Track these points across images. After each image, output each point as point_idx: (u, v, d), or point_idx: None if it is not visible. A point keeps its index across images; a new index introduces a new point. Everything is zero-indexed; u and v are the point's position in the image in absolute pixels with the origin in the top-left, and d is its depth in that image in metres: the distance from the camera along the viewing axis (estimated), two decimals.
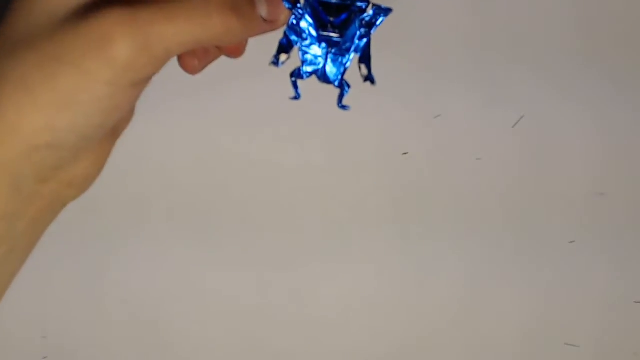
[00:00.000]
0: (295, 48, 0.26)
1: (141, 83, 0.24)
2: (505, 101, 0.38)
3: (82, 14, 0.24)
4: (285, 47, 0.26)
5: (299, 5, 0.25)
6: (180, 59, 0.26)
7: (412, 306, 0.38)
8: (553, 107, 0.38)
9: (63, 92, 0.24)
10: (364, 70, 0.27)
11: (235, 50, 0.28)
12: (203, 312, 0.39)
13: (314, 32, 0.26)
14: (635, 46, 0.39)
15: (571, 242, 0.38)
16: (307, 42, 0.26)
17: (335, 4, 0.26)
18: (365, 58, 0.27)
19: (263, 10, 0.25)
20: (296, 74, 0.26)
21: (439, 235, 0.38)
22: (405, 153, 0.38)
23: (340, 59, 0.27)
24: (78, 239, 0.39)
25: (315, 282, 0.38)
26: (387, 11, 0.26)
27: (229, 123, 0.37)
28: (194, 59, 0.26)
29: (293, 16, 0.25)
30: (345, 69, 0.27)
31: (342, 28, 0.26)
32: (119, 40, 0.23)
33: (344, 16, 0.26)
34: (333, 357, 0.38)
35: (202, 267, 0.37)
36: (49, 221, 0.27)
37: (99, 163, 0.27)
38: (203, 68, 0.26)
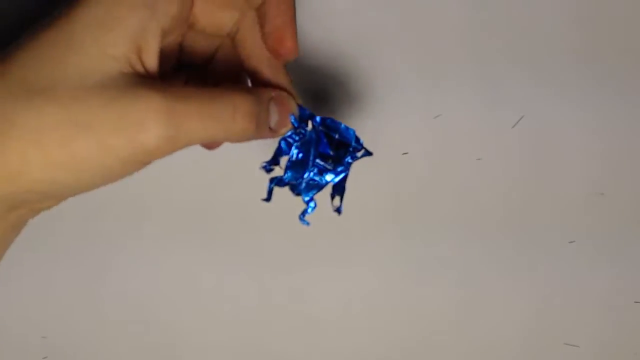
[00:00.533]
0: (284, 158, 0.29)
1: (150, 163, 0.25)
2: (505, 101, 0.38)
3: (122, 87, 0.24)
4: (279, 154, 0.29)
5: (304, 129, 0.28)
6: None
7: (412, 306, 0.38)
8: (553, 107, 0.38)
9: (77, 158, 0.24)
10: (337, 202, 0.29)
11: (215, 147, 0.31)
12: (203, 312, 0.38)
13: (303, 154, 0.29)
14: (636, 46, 0.39)
15: (571, 242, 0.38)
16: (293, 161, 0.29)
17: (338, 139, 0.29)
18: (340, 191, 0.29)
19: (273, 122, 0.28)
20: (276, 182, 0.29)
21: (439, 235, 0.38)
22: (406, 153, 0.38)
23: (317, 184, 0.29)
24: (78, 239, 0.39)
25: (316, 283, 0.38)
26: (369, 154, 0.29)
27: None
28: None
29: (293, 132, 0.28)
30: (317, 192, 0.29)
31: (335, 162, 0.29)
32: (153, 129, 0.24)
33: (341, 153, 0.29)
34: (333, 359, 0.38)
35: (202, 267, 0.37)
36: (11, 239, 0.28)
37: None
38: None
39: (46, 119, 0.23)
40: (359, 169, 0.38)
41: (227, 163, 0.37)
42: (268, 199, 0.29)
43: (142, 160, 0.24)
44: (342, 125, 0.29)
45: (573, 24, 0.38)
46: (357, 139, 0.29)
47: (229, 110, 0.25)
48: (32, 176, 0.24)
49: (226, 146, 0.38)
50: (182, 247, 0.37)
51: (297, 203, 0.38)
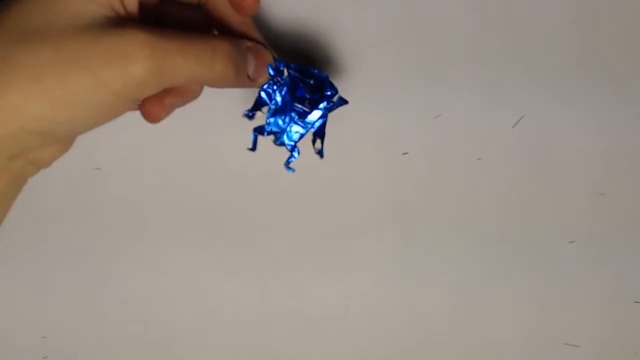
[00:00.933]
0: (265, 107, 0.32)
1: (139, 101, 0.27)
2: (505, 101, 0.38)
3: (107, 26, 0.26)
4: (260, 104, 0.31)
5: (281, 77, 0.31)
6: (145, 108, 0.29)
7: (412, 306, 0.38)
8: (553, 107, 0.38)
9: (72, 92, 0.25)
10: (318, 145, 0.31)
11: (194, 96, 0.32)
12: (203, 312, 0.38)
13: (282, 101, 0.31)
14: (636, 47, 0.38)
15: (571, 242, 0.38)
16: (273, 108, 0.31)
17: (313, 85, 0.31)
18: (321, 134, 0.32)
19: (250, 70, 0.30)
20: (258, 130, 0.31)
21: (439, 235, 0.38)
22: (406, 153, 0.38)
23: (298, 130, 0.31)
24: (78, 239, 0.39)
25: (316, 283, 0.38)
26: (345, 102, 0.32)
27: (230, 124, 0.37)
28: (161, 109, 0.29)
29: (271, 82, 0.30)
30: (299, 139, 0.32)
31: (312, 105, 0.31)
32: (140, 61, 0.25)
33: (317, 96, 0.31)
34: (333, 359, 0.38)
35: (202, 267, 0.37)
36: (14, 195, 0.29)
37: (65, 149, 0.29)
38: (164, 117, 0.29)
39: (41, 57, 0.25)
40: (359, 169, 0.38)
41: (227, 163, 0.37)
42: (253, 148, 0.31)
43: (132, 95, 0.26)
44: (316, 72, 0.31)
45: (573, 25, 0.38)
46: (331, 84, 0.31)
47: (209, 51, 0.27)
48: (30, 113, 0.25)
49: (226, 146, 0.38)
50: (182, 247, 0.37)
51: (297, 203, 0.37)
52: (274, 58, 0.32)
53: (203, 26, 0.31)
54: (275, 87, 0.31)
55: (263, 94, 0.31)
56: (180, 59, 0.27)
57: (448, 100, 0.38)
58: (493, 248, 0.38)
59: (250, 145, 0.31)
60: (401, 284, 0.38)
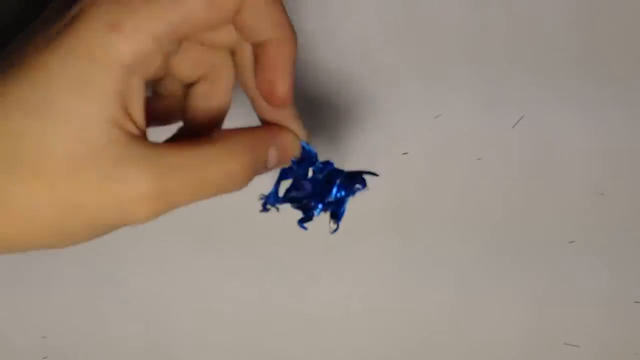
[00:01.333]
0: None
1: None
2: (505, 101, 0.38)
3: (109, 162, 0.23)
4: (280, 182, 0.28)
5: (305, 168, 0.28)
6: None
7: (412, 305, 0.38)
8: (553, 107, 0.38)
9: (65, 231, 0.24)
10: (333, 225, 0.29)
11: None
12: (203, 313, 0.38)
13: (302, 188, 0.29)
14: (635, 46, 0.39)
15: (571, 242, 0.38)
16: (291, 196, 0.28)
17: (339, 184, 0.28)
18: (339, 217, 0.29)
19: (270, 163, 0.26)
20: (272, 200, 0.28)
21: (439, 235, 0.38)
22: (406, 153, 0.38)
23: (318, 207, 0.29)
24: None
25: (316, 283, 0.38)
26: (365, 187, 0.29)
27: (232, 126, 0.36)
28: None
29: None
30: (318, 214, 0.29)
31: (336, 204, 0.29)
32: (144, 212, 0.23)
33: (343, 192, 0.28)
34: (334, 359, 0.38)
35: (202, 268, 0.37)
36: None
37: None
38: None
39: (37, 198, 0.23)
40: (359, 169, 0.38)
41: None
42: (264, 210, 0.29)
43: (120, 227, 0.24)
44: (345, 174, 0.28)
45: (573, 24, 0.38)
46: (363, 180, 0.29)
47: (222, 178, 0.25)
48: (19, 244, 0.24)
49: None
50: (182, 247, 0.37)
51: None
52: (302, 144, 0.28)
53: (205, 99, 0.28)
54: (296, 168, 0.28)
55: (283, 172, 0.28)
56: (189, 196, 0.24)
57: (448, 100, 0.38)
58: (493, 248, 0.38)
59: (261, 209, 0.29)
60: (401, 284, 0.38)
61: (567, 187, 0.38)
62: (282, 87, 0.26)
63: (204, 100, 0.27)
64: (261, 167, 0.26)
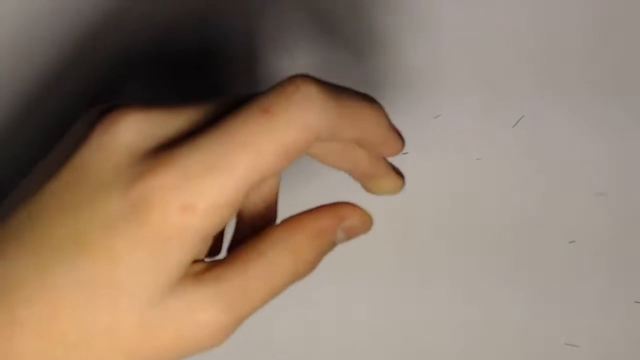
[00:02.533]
0: None
1: None
2: (505, 101, 0.38)
3: (175, 301, 0.22)
4: None
5: None
6: None
7: (410, 304, 0.38)
8: (553, 107, 0.38)
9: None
10: None
11: None
12: None
13: None
14: (637, 46, 0.39)
15: (571, 242, 0.38)
16: None
17: None
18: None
19: (339, 240, 0.26)
20: None
21: (438, 235, 0.38)
22: (406, 153, 0.37)
23: None
24: None
25: (315, 283, 0.37)
26: None
27: None
28: None
29: None
30: None
31: None
32: (210, 344, 0.23)
33: None
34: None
35: None
36: None
37: None
38: None
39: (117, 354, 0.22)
40: None
41: None
42: None
43: None
44: None
45: (575, 24, 0.38)
46: None
47: (290, 280, 0.24)
48: None
49: None
50: None
51: (296, 204, 0.37)
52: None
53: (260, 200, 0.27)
54: None
55: None
56: (257, 308, 0.24)
57: (448, 100, 0.38)
58: (492, 248, 0.38)
59: None
60: (401, 284, 0.38)
61: (567, 187, 0.38)
62: (397, 148, 0.27)
63: (254, 192, 0.26)
64: (329, 250, 0.25)
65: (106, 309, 0.21)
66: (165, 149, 0.21)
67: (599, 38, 0.38)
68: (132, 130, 0.22)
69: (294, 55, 0.38)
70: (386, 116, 0.25)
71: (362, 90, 0.37)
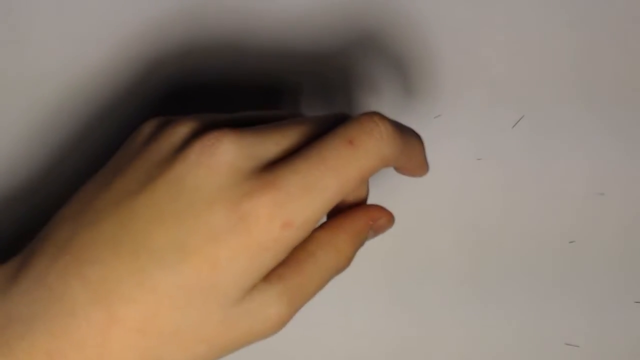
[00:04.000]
0: None
1: None
2: (505, 101, 0.38)
3: (250, 293, 0.25)
4: None
5: None
6: None
7: (407, 304, 0.38)
8: (553, 107, 0.38)
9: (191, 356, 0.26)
10: None
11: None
12: None
13: None
14: (636, 44, 0.39)
15: (571, 242, 0.38)
16: None
17: None
18: None
19: (370, 237, 0.30)
20: None
21: (437, 236, 0.38)
22: None
23: None
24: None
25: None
26: None
27: None
28: None
29: None
30: None
31: None
32: (272, 332, 0.26)
33: None
34: None
35: None
36: None
37: None
38: None
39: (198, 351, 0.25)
40: None
41: None
42: None
43: None
44: None
45: (575, 23, 0.39)
46: None
47: (335, 273, 0.28)
48: None
49: None
50: None
51: None
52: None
53: None
54: None
55: None
56: (319, 284, 0.27)
57: (448, 101, 0.38)
58: (493, 247, 0.38)
59: None
60: (400, 280, 0.38)
61: (567, 187, 0.38)
62: (424, 174, 0.31)
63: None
64: (362, 245, 0.29)
65: (199, 309, 0.24)
66: (267, 170, 0.25)
67: (599, 38, 0.38)
68: (232, 151, 0.24)
69: (297, 60, 0.38)
70: (424, 149, 0.29)
71: (360, 90, 0.38)
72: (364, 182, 0.27)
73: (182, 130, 0.26)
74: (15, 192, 0.38)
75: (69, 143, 0.38)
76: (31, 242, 0.27)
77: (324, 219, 0.29)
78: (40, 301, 0.24)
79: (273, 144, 0.26)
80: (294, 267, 0.26)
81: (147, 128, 0.28)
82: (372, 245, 0.37)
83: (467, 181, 0.38)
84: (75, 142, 0.37)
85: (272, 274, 0.26)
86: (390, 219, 0.30)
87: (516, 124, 0.38)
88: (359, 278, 0.38)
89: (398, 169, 0.29)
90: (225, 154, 0.25)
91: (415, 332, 0.38)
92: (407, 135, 0.28)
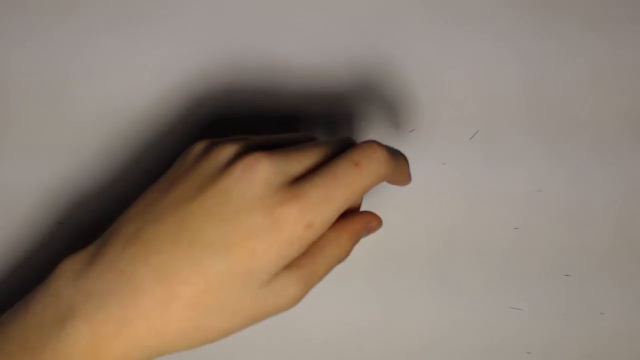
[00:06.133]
0: None
1: None
2: (464, 119, 0.39)
3: (274, 278, 0.27)
4: None
5: None
6: None
7: (404, 304, 0.38)
8: (501, 123, 0.39)
9: (218, 330, 0.28)
10: None
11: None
12: None
13: None
14: (568, 75, 0.40)
15: (516, 228, 0.39)
16: None
17: None
18: None
19: (365, 234, 0.31)
20: None
21: (412, 228, 0.38)
22: None
23: None
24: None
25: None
26: None
27: None
28: None
29: None
30: None
31: None
32: (289, 306, 0.28)
33: None
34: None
35: None
36: None
37: None
38: None
39: (232, 322, 0.27)
40: None
41: None
42: None
43: None
44: None
45: (518, 58, 0.39)
46: None
47: (337, 262, 0.29)
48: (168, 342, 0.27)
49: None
50: None
51: None
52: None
53: None
54: None
55: None
56: (326, 271, 0.29)
57: (420, 119, 0.39)
58: (457, 235, 0.39)
59: None
60: (394, 282, 0.38)
61: (512, 185, 0.39)
62: (406, 184, 0.32)
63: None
64: (358, 242, 0.31)
65: (238, 289, 0.26)
66: (293, 184, 0.27)
67: (538, 69, 0.39)
68: (267, 169, 0.26)
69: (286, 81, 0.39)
70: (409, 167, 0.31)
71: (361, 115, 0.39)
72: (364, 193, 0.28)
73: (227, 151, 0.28)
74: (92, 195, 0.38)
75: (134, 158, 0.38)
76: (102, 235, 0.28)
77: None
78: (113, 281, 0.26)
79: (297, 163, 0.28)
80: (308, 258, 0.28)
81: (198, 148, 0.29)
82: (363, 247, 0.39)
83: (435, 181, 0.39)
84: (139, 158, 0.38)
85: (292, 263, 0.28)
86: (379, 222, 0.31)
87: (472, 136, 0.39)
88: (351, 275, 0.39)
89: (389, 181, 0.30)
90: (262, 172, 0.26)
91: (412, 330, 0.38)
92: (397, 157, 0.29)
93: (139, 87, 0.39)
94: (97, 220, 0.38)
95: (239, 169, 0.26)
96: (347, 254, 0.30)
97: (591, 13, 0.40)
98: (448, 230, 0.39)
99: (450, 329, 0.38)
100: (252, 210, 0.26)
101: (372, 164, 0.27)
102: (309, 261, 0.28)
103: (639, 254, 0.39)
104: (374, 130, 0.39)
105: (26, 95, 0.37)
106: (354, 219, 0.31)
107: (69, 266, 0.27)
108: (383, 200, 0.39)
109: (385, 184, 0.39)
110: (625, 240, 0.39)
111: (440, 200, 0.39)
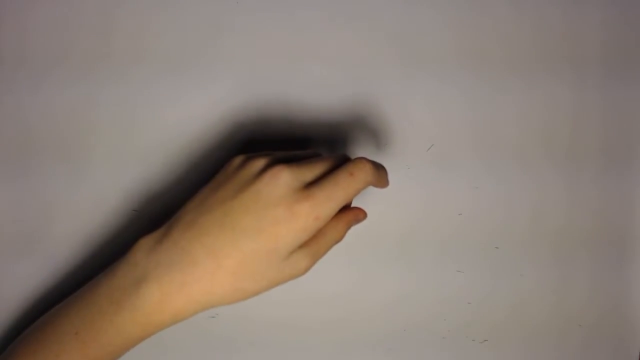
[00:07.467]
0: None
1: None
2: (422, 135, 0.44)
3: (292, 253, 0.31)
4: None
5: None
6: None
7: (377, 271, 0.44)
8: (451, 140, 0.44)
9: (245, 291, 0.31)
10: None
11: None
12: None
13: None
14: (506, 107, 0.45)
15: (459, 214, 0.44)
16: None
17: None
18: None
19: (355, 223, 0.35)
20: None
21: (384, 219, 0.44)
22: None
23: None
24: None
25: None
26: None
27: None
28: None
29: None
30: None
31: None
32: (302, 273, 0.31)
33: None
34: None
35: None
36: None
37: None
38: None
39: (251, 283, 0.30)
40: None
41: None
42: None
43: None
44: None
45: (466, 90, 0.44)
46: None
47: (335, 243, 0.33)
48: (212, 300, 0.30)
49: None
50: None
51: None
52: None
53: None
54: None
55: None
56: (327, 249, 0.33)
57: (392, 136, 0.44)
58: (416, 223, 0.44)
59: None
60: (356, 253, 0.44)
61: (455, 182, 0.45)
62: (386, 186, 0.35)
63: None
64: (349, 229, 0.35)
65: (265, 261, 0.30)
66: (306, 188, 0.31)
67: (482, 96, 0.44)
68: (288, 177, 0.31)
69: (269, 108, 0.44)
70: (387, 174, 0.35)
71: (354, 138, 0.44)
72: (355, 195, 0.32)
73: (258, 163, 0.32)
74: (160, 194, 0.43)
75: (191, 168, 0.43)
76: (168, 221, 0.33)
77: None
78: (176, 255, 0.30)
79: (309, 172, 0.32)
80: (315, 240, 0.32)
81: (237, 161, 0.33)
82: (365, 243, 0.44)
83: (401, 181, 0.45)
84: (194, 167, 0.43)
85: (304, 244, 0.32)
86: (365, 215, 0.36)
87: (429, 148, 0.45)
88: (349, 275, 0.44)
89: (373, 185, 0.34)
90: (284, 178, 0.31)
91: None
92: (380, 168, 0.34)
93: (191, 118, 0.44)
94: (164, 212, 0.43)
95: (267, 176, 0.31)
96: (342, 237, 0.34)
97: (514, 62, 0.45)
98: (410, 217, 0.45)
99: (412, 289, 0.44)
100: (277, 206, 0.30)
101: (362, 174, 0.32)
102: (315, 242, 0.32)
103: (547, 233, 0.45)
104: (362, 149, 0.45)
105: (112, 121, 0.42)
106: (347, 212, 0.35)
107: (144, 244, 0.32)
108: (367, 197, 0.44)
109: (369, 187, 0.41)
110: (538, 223, 0.46)
111: (405, 195, 0.45)
